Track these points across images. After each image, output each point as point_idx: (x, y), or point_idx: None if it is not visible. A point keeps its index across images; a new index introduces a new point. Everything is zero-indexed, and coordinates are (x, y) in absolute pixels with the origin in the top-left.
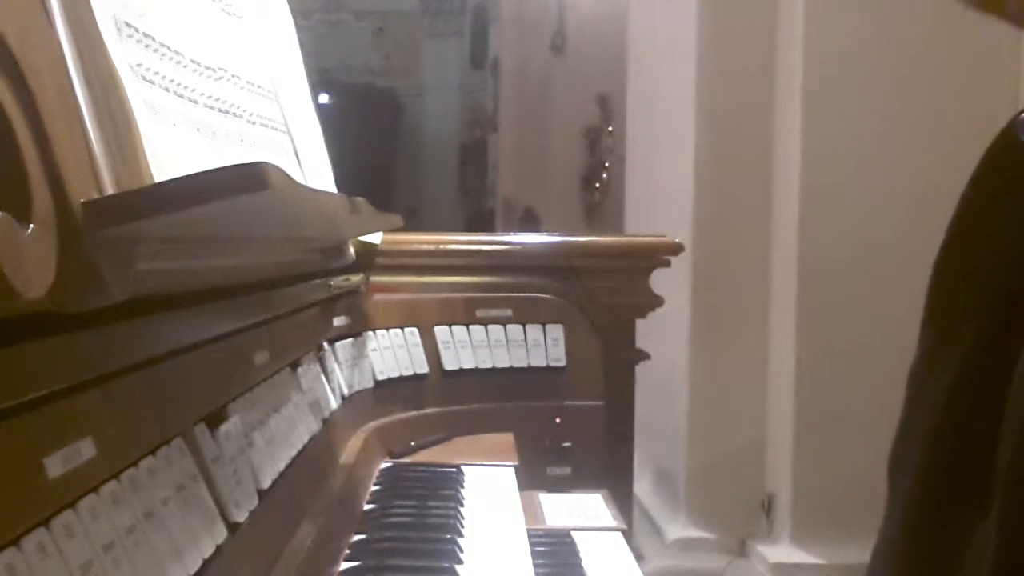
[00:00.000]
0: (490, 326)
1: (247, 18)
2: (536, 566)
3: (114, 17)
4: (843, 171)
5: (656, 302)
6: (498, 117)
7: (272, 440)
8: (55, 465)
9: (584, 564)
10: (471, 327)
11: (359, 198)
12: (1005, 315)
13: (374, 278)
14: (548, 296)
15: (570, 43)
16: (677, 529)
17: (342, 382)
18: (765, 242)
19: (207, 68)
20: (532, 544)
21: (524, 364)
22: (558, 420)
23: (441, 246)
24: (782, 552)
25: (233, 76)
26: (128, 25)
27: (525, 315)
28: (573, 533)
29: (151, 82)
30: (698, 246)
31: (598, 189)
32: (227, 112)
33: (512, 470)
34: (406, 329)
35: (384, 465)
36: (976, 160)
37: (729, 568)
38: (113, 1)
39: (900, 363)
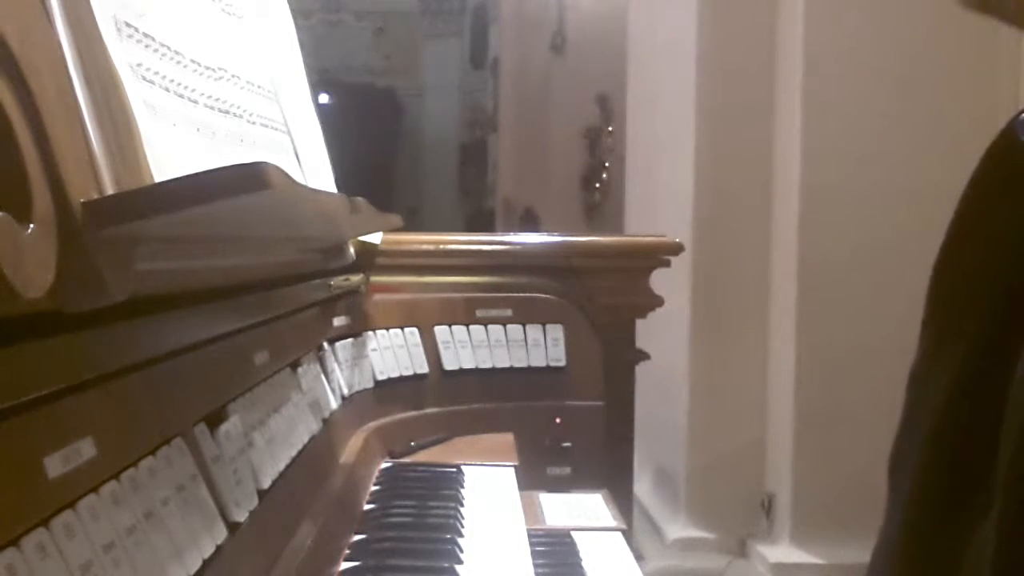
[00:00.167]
0: (490, 326)
1: (247, 18)
2: (536, 566)
3: (114, 17)
4: (843, 171)
5: (656, 302)
6: (498, 117)
7: (272, 440)
8: (55, 465)
9: (584, 564)
10: (471, 327)
11: (359, 198)
12: (1005, 315)
13: (374, 278)
14: (548, 296)
15: (570, 43)
16: (677, 529)
17: (342, 382)
18: (765, 242)
19: (207, 68)
20: (532, 544)
21: (524, 364)
22: (558, 420)
23: (441, 246)
24: (782, 552)
25: (233, 76)
26: (128, 25)
27: (525, 315)
28: (573, 533)
29: (151, 82)
30: (698, 246)
31: (598, 189)
32: (227, 112)
33: (512, 470)
34: (406, 329)
35: (384, 465)
36: (976, 160)
37: (729, 568)
38: (113, 1)
39: (900, 363)
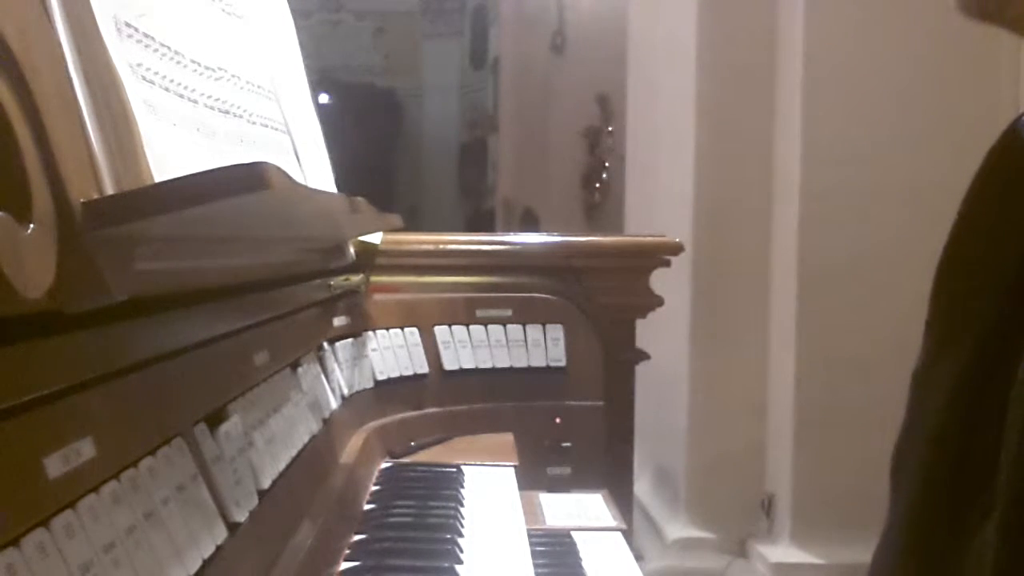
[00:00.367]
0: (490, 326)
1: (247, 18)
2: (536, 566)
3: (114, 17)
4: (843, 171)
5: (656, 302)
6: (498, 117)
7: (272, 440)
8: (55, 465)
9: (584, 564)
10: (471, 327)
11: (359, 198)
12: (1007, 316)
13: (374, 278)
14: (548, 296)
15: (570, 43)
16: (677, 529)
17: (342, 382)
18: (765, 242)
19: (207, 68)
20: (532, 544)
21: (524, 364)
22: (558, 420)
23: (441, 246)
24: (782, 552)
25: (233, 76)
26: (128, 25)
27: (525, 315)
28: (573, 533)
29: (151, 82)
30: (698, 246)
31: (598, 189)
32: (227, 112)
33: (512, 470)
34: (406, 329)
35: (384, 465)
36: (977, 160)
37: (729, 568)
38: (113, 1)
39: (900, 363)
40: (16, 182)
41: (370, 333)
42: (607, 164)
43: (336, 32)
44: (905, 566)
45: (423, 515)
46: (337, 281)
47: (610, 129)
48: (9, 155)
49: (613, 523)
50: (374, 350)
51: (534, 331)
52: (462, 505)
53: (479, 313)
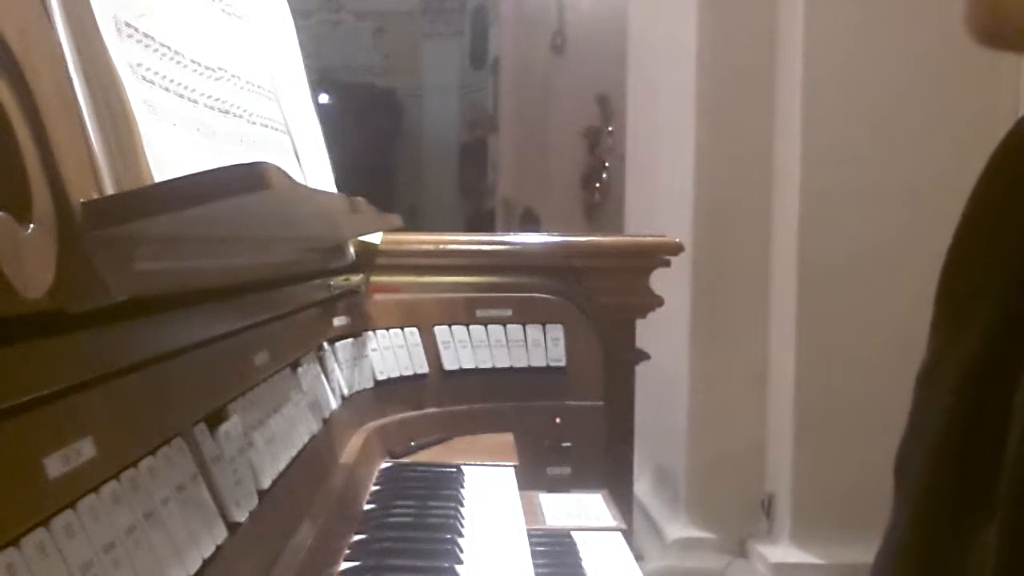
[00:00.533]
0: (490, 326)
1: (247, 18)
2: (536, 566)
3: (114, 17)
4: (843, 172)
5: (656, 302)
6: (498, 117)
7: (272, 440)
8: (55, 465)
9: (584, 564)
10: (471, 327)
11: (359, 198)
12: (1013, 318)
13: (374, 278)
14: (548, 296)
15: (570, 43)
16: (677, 529)
17: (342, 382)
18: (765, 242)
19: (207, 68)
20: (532, 544)
21: (524, 364)
22: (558, 420)
23: (441, 246)
24: (782, 552)
25: (233, 76)
26: (128, 25)
27: (525, 315)
28: (573, 533)
29: (151, 82)
30: (698, 246)
31: (598, 189)
32: (227, 112)
33: (512, 470)
34: (406, 329)
35: (384, 465)
36: (977, 160)
37: (729, 568)
38: (113, 1)
39: (900, 363)
40: (16, 182)
41: (370, 333)
42: (607, 164)
43: (336, 32)
44: (907, 567)
45: (423, 515)
46: (337, 281)
47: (610, 129)
48: (9, 155)
49: (613, 523)
50: (374, 350)
51: (534, 331)
52: (462, 505)
53: (479, 313)
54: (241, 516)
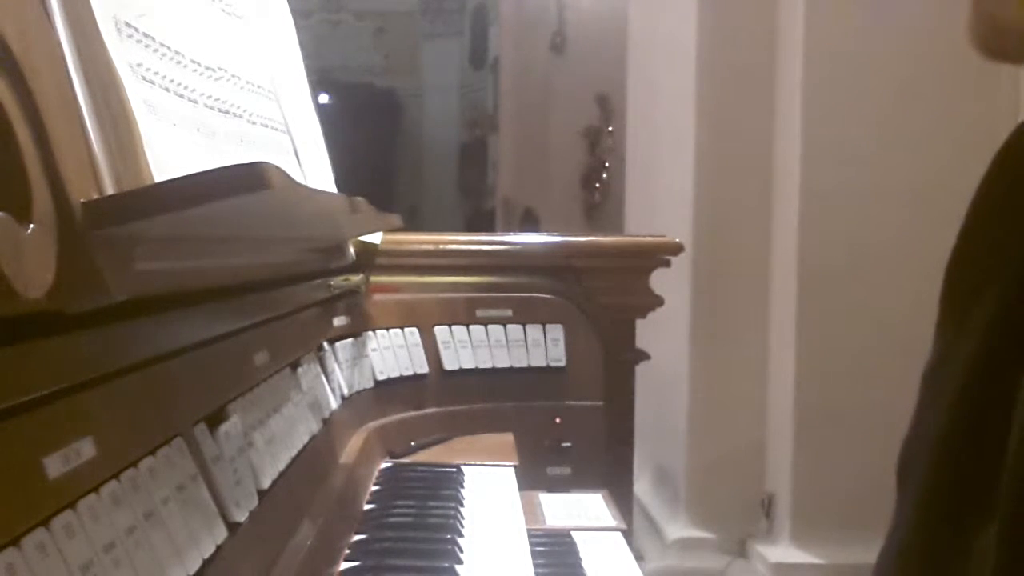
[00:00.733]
0: (490, 326)
1: (247, 18)
2: (536, 566)
3: (114, 17)
4: (843, 172)
5: (656, 302)
6: (498, 117)
7: (272, 440)
8: (55, 465)
9: (584, 564)
10: (471, 327)
11: (359, 198)
12: (1016, 319)
13: (374, 278)
14: (548, 296)
15: (570, 43)
16: (677, 529)
17: (342, 382)
18: (765, 242)
19: (207, 68)
20: (532, 544)
21: (524, 364)
22: (558, 420)
23: (441, 246)
24: (782, 552)
25: (233, 76)
26: (128, 25)
27: (525, 315)
28: (573, 533)
29: (151, 82)
30: (698, 246)
31: (598, 189)
32: (227, 112)
33: (512, 470)
34: (406, 329)
35: (384, 465)
36: (976, 160)
37: (729, 568)
38: (113, 1)
39: (900, 363)
40: (16, 182)
41: (370, 333)
42: (607, 164)
43: (336, 32)
44: (908, 567)
45: (423, 515)
46: (337, 281)
47: (610, 129)
48: (9, 155)
49: (613, 523)
50: (374, 350)
51: (534, 331)
52: (462, 505)
53: (479, 313)
54: (241, 516)
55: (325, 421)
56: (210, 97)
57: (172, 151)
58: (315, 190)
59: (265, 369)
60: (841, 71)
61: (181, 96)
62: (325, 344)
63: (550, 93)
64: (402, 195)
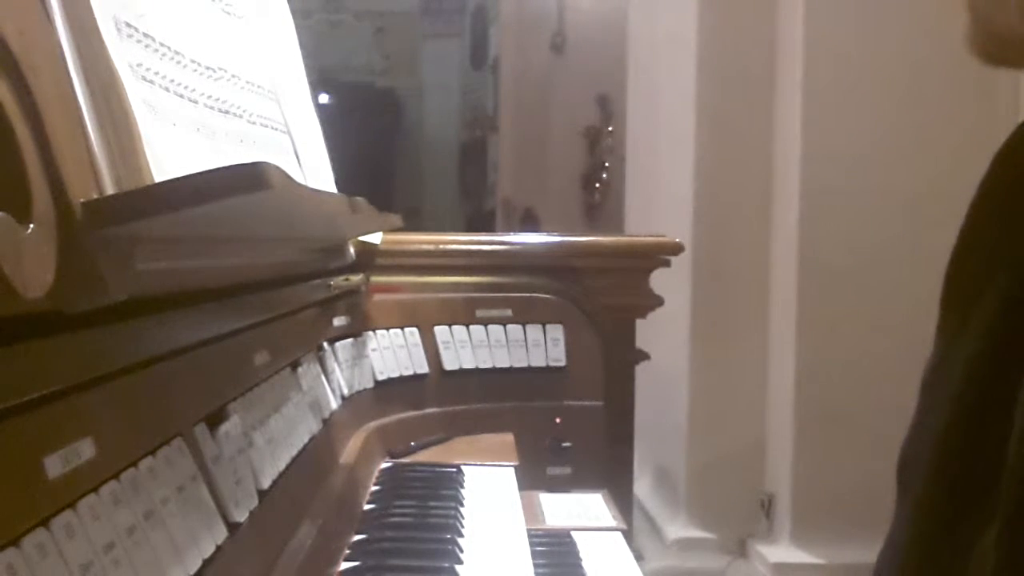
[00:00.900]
0: (490, 326)
1: (247, 18)
2: (536, 566)
3: (114, 17)
4: (843, 172)
5: (656, 302)
6: (498, 117)
7: (272, 440)
8: (55, 465)
9: (584, 564)
10: (471, 327)
11: (359, 198)
12: (1015, 320)
13: (374, 278)
14: (548, 296)
15: (570, 43)
16: (677, 529)
17: (342, 382)
18: (765, 242)
19: (207, 68)
20: (532, 544)
21: (524, 364)
22: (558, 420)
23: (441, 246)
24: (782, 552)
25: (233, 76)
26: (128, 25)
27: (525, 315)
28: (573, 533)
29: (151, 82)
30: (698, 246)
31: (598, 189)
32: (227, 112)
33: (512, 470)
34: (406, 329)
35: (384, 465)
36: (975, 160)
37: (729, 568)
38: (113, 1)
39: (900, 363)
40: (16, 182)
41: (370, 333)
42: (607, 164)
43: (336, 32)
44: (908, 567)
45: (423, 515)
46: (337, 281)
47: (610, 129)
48: (9, 155)
49: (613, 523)
50: (374, 350)
51: (534, 331)
52: (462, 505)
53: (479, 313)
54: (241, 516)
55: (325, 421)
56: (210, 97)
57: (172, 151)
58: (315, 190)
59: (265, 369)
60: (841, 71)
61: (181, 96)
62: (325, 344)
63: (550, 93)
64: (402, 195)
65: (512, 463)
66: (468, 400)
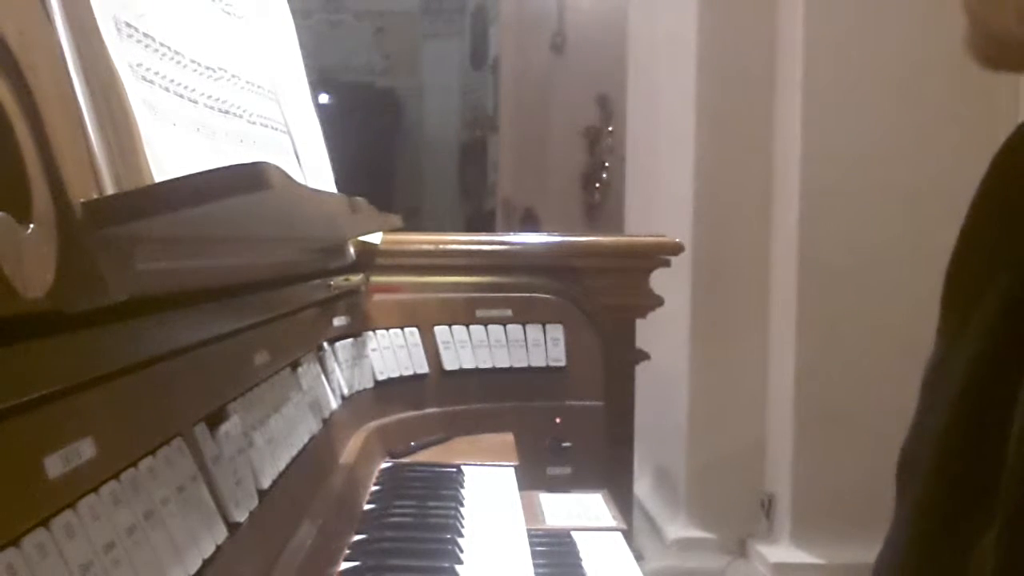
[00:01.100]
0: (490, 326)
1: (247, 18)
2: (536, 566)
3: (114, 17)
4: (843, 171)
5: (656, 302)
6: (498, 117)
7: (272, 440)
8: (55, 465)
9: (584, 564)
10: (471, 327)
11: (359, 198)
12: (1015, 318)
13: (374, 278)
14: (548, 296)
15: (570, 43)
16: (677, 529)
17: (342, 382)
18: (765, 242)
19: (207, 68)
20: (532, 544)
21: (524, 364)
22: (558, 420)
23: (441, 246)
24: (782, 552)
25: (233, 76)
26: (128, 25)
27: (525, 315)
28: (573, 533)
29: (151, 82)
30: (698, 246)
31: (598, 189)
32: (227, 112)
33: (512, 470)
34: (406, 329)
35: (384, 465)
36: (975, 160)
37: (729, 568)
38: (113, 1)
39: (900, 363)
40: (16, 182)
41: (370, 333)
42: (607, 164)
43: (336, 32)
44: (907, 567)
45: (423, 515)
46: (337, 281)
47: (610, 129)
48: (9, 155)
49: (613, 523)
50: (374, 350)
51: (534, 331)
52: (462, 505)
53: (479, 313)
54: (241, 516)
55: (325, 421)
56: (210, 97)
57: (172, 151)
58: (315, 190)
59: (265, 369)
60: (841, 71)
61: (181, 96)
62: (325, 344)
63: (550, 93)
64: (402, 195)
65: (512, 463)
66: (468, 400)
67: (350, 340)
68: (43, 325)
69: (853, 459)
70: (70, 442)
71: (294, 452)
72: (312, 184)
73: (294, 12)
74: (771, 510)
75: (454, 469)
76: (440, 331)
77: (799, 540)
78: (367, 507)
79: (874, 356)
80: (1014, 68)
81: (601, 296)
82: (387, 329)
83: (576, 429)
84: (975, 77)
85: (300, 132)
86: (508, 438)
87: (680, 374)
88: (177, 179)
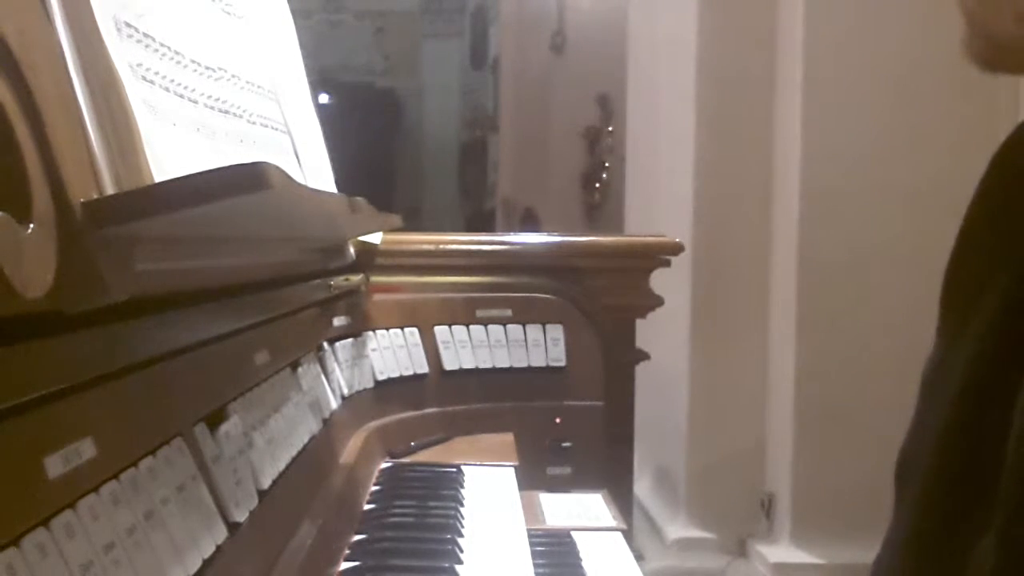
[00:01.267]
0: (490, 326)
1: (247, 18)
2: (536, 566)
3: (114, 17)
4: (843, 171)
5: (656, 302)
6: (498, 117)
7: (272, 440)
8: (55, 465)
9: (584, 564)
10: (471, 327)
11: (359, 198)
12: (1014, 318)
13: (374, 278)
14: (548, 296)
15: (570, 43)
16: (677, 529)
17: (342, 382)
18: (765, 242)
19: (207, 68)
20: (532, 544)
21: (524, 364)
22: (558, 420)
23: (441, 246)
24: (782, 552)
25: (233, 76)
26: (128, 25)
27: (525, 315)
28: (573, 533)
29: (151, 82)
30: (698, 246)
31: (598, 189)
32: (227, 112)
33: (512, 470)
34: (406, 329)
35: (384, 465)
36: (975, 160)
37: (729, 568)
38: (113, 1)
39: (900, 363)
40: (16, 182)
41: (370, 333)
42: (607, 164)
43: (336, 32)
44: (906, 568)
45: (423, 515)
46: (337, 281)
47: (610, 129)
48: (9, 155)
49: (613, 523)
50: (374, 350)
51: (534, 331)
52: (462, 505)
53: (479, 313)
54: (241, 516)
55: (325, 421)
56: (210, 97)
57: (172, 151)
58: (315, 190)
59: (265, 369)
60: (841, 71)
61: (181, 96)
62: (325, 344)
63: (550, 93)
64: (402, 195)
65: (512, 463)
66: (468, 400)
67: (350, 340)
68: (43, 325)
69: (853, 459)
70: (70, 442)
71: (294, 452)
72: (312, 184)
73: (294, 12)
74: (771, 510)
75: (454, 469)
76: (440, 331)
77: (799, 540)
78: (367, 507)
79: (874, 356)
80: (1012, 70)
81: (601, 296)
82: (387, 329)
83: (576, 429)
84: (974, 77)
85: (300, 132)
86: (508, 438)
87: (680, 374)
88: (177, 179)
